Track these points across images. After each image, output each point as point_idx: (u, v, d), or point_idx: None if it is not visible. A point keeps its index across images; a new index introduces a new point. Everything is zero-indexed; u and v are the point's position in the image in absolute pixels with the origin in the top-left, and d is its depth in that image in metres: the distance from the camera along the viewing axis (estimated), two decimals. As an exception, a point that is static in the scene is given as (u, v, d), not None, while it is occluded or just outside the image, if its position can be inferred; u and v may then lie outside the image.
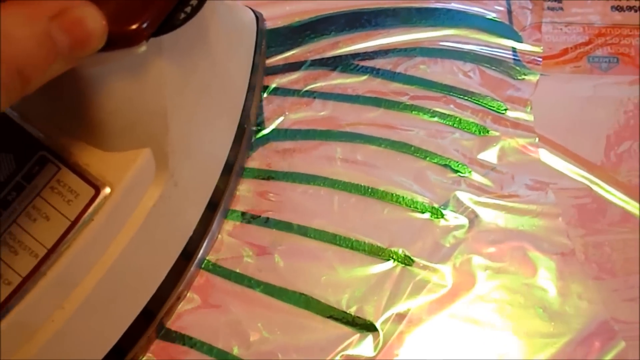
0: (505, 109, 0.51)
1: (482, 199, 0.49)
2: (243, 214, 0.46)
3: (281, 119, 0.50)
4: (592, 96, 0.52)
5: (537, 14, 0.54)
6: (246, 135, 0.48)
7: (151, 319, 0.43)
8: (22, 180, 0.34)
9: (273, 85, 0.50)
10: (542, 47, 0.53)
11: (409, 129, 0.50)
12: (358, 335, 0.45)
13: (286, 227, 0.47)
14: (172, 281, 0.43)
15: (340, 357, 0.44)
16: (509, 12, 0.54)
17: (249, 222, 0.46)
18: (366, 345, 0.44)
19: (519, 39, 0.53)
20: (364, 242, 0.47)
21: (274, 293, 0.45)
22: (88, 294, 0.35)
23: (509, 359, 0.44)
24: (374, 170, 0.49)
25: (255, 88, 0.48)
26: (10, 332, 0.33)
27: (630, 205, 0.49)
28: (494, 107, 0.51)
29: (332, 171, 0.49)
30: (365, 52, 0.53)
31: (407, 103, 0.51)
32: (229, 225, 0.47)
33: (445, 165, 0.49)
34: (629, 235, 0.48)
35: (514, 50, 0.53)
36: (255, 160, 0.48)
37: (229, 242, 0.46)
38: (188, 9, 0.30)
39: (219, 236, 0.46)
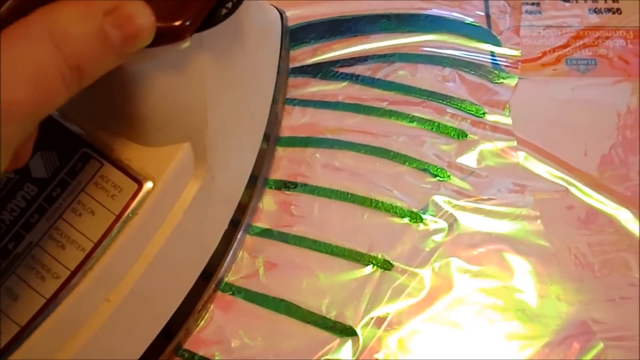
0: (484, 113, 0.52)
1: (461, 203, 0.50)
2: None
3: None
4: (571, 99, 0.53)
5: (515, 18, 0.55)
6: (273, 131, 0.50)
7: (189, 312, 0.45)
8: (66, 177, 0.36)
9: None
10: (520, 51, 0.54)
11: (389, 135, 0.52)
12: (338, 340, 0.46)
13: (266, 233, 0.48)
14: (208, 275, 0.45)
15: (321, 362, 0.45)
16: (488, 16, 0.55)
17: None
18: (346, 350, 0.45)
19: (497, 43, 0.55)
20: (344, 248, 0.48)
21: (255, 299, 0.47)
22: (132, 286, 0.37)
23: (487, 360, 0.46)
24: (354, 176, 0.50)
25: (281, 85, 0.50)
26: (60, 325, 0.35)
27: (609, 207, 0.49)
28: (472, 111, 0.52)
29: (312, 177, 0.50)
30: (344, 59, 0.54)
31: (387, 109, 0.52)
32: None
33: (424, 170, 0.51)
34: (607, 236, 0.48)
35: (492, 54, 0.55)
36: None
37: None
38: (229, 5, 0.32)
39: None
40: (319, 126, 0.52)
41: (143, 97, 0.34)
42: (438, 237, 0.49)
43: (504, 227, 0.49)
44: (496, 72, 0.54)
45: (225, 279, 0.48)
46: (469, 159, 0.51)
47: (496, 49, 0.55)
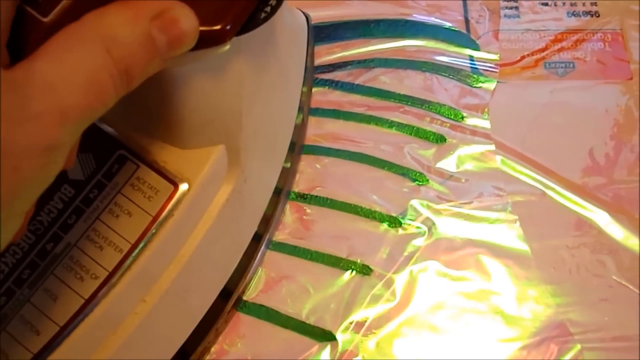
0: (463, 117, 0.53)
1: (440, 207, 0.50)
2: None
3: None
4: (549, 102, 0.54)
5: (494, 22, 0.56)
6: (302, 130, 0.51)
7: (222, 308, 0.46)
8: (103, 179, 0.37)
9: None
10: (499, 55, 0.55)
11: (368, 140, 0.52)
12: (317, 345, 0.46)
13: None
14: (240, 273, 0.46)
15: (300, 366, 0.45)
16: (467, 21, 0.56)
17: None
18: (325, 355, 0.46)
19: (476, 47, 0.56)
20: (323, 253, 0.49)
21: (235, 305, 0.47)
22: (167, 287, 0.38)
23: (466, 362, 0.46)
24: (333, 181, 0.50)
25: (307, 89, 0.51)
26: (98, 324, 0.36)
27: (586, 210, 0.50)
28: (451, 115, 0.53)
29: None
30: (324, 65, 0.55)
31: (366, 114, 0.53)
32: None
33: (404, 175, 0.51)
34: (585, 239, 0.49)
35: (471, 58, 0.55)
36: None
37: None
38: (268, 9, 0.33)
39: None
40: (300, 132, 0.52)
41: (181, 100, 0.35)
42: (417, 242, 0.49)
43: (483, 230, 0.50)
44: (475, 76, 0.55)
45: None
46: (448, 163, 0.52)
47: (475, 53, 0.55)
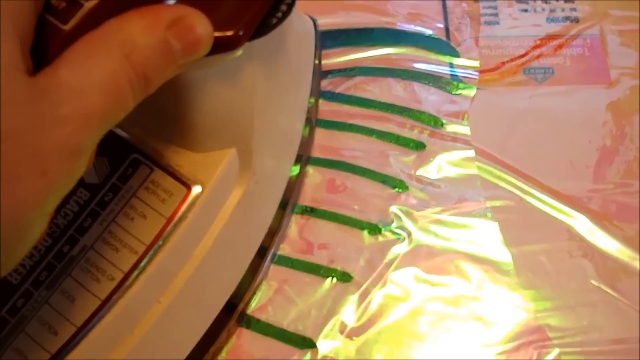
0: (442, 124, 0.54)
1: (420, 214, 0.51)
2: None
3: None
4: (528, 108, 0.54)
5: (474, 29, 0.57)
6: (310, 134, 0.52)
7: (233, 311, 0.47)
8: (118, 182, 0.38)
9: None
10: (478, 62, 0.56)
11: (348, 148, 0.53)
12: (297, 352, 0.47)
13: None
14: (251, 276, 0.47)
15: (279, 374, 0.45)
16: (447, 28, 0.57)
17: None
18: (305, 362, 0.47)
19: (456, 55, 0.56)
20: (303, 261, 0.49)
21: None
22: (181, 288, 0.39)
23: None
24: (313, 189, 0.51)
25: (315, 93, 0.52)
26: (114, 325, 0.37)
27: (565, 215, 0.51)
28: (431, 122, 0.54)
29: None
30: (305, 75, 0.55)
31: (346, 122, 0.53)
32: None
33: (384, 182, 0.52)
34: (564, 243, 0.50)
35: (451, 65, 0.56)
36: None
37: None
38: (279, 14, 0.34)
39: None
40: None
41: (195, 104, 0.36)
42: (397, 249, 0.50)
43: (462, 236, 0.50)
44: (455, 83, 0.55)
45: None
46: (427, 170, 0.53)
47: (455, 60, 0.56)
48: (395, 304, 0.49)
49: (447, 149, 0.53)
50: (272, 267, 0.50)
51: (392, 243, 0.50)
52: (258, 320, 0.48)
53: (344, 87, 0.56)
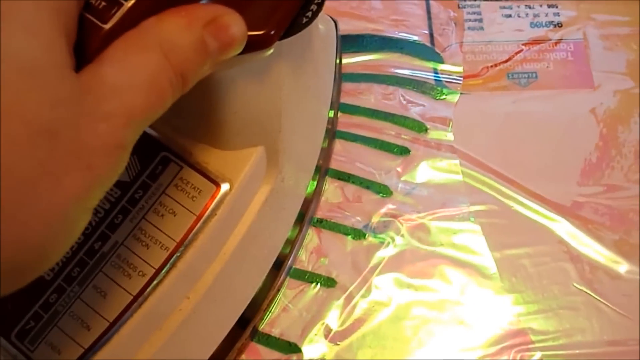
0: (426, 129, 0.54)
1: (404, 219, 0.51)
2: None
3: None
4: (512, 112, 0.55)
5: (458, 35, 0.57)
6: (331, 134, 0.52)
7: (255, 313, 0.47)
8: (147, 180, 0.38)
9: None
10: (462, 67, 0.56)
11: (332, 154, 0.53)
12: (282, 357, 0.47)
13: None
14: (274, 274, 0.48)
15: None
16: (431, 34, 0.57)
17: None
18: (289, 367, 0.47)
19: (440, 60, 0.56)
20: (289, 266, 0.49)
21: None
22: (210, 284, 0.39)
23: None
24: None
25: (336, 94, 0.52)
26: (145, 320, 0.37)
27: (547, 219, 0.51)
28: (415, 127, 0.54)
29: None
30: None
31: (330, 128, 0.53)
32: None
33: (368, 187, 0.52)
34: (546, 247, 0.51)
35: (435, 71, 0.56)
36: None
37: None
38: (309, 14, 0.34)
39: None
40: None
41: (225, 102, 0.37)
42: (381, 253, 0.50)
43: (446, 241, 0.51)
44: (439, 88, 0.55)
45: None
46: (411, 175, 0.53)
47: (439, 66, 0.56)
48: (379, 309, 0.49)
49: (431, 155, 0.54)
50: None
51: (376, 248, 0.51)
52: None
53: (328, 93, 0.56)
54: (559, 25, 0.58)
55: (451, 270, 0.50)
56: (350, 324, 0.48)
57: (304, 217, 0.49)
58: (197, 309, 0.38)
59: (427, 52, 0.57)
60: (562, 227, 0.51)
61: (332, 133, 0.53)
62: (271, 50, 0.33)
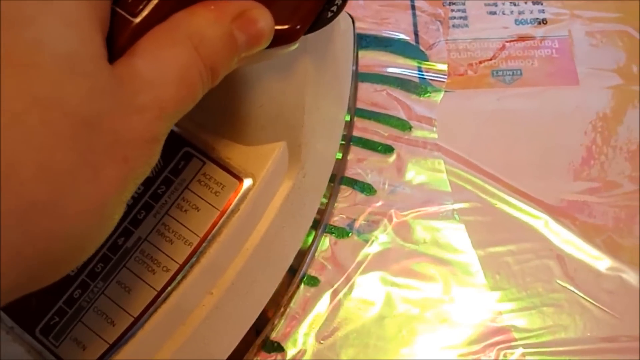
0: (411, 127, 0.54)
1: (388, 217, 0.52)
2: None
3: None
4: (496, 109, 0.55)
5: (443, 32, 0.57)
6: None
7: (277, 305, 0.47)
8: (170, 175, 0.38)
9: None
10: (447, 65, 0.56)
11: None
12: (266, 356, 0.48)
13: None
14: (292, 271, 0.48)
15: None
16: (415, 32, 0.57)
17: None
18: (272, 365, 0.47)
19: (424, 58, 0.56)
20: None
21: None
22: (233, 279, 0.39)
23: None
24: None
25: (354, 91, 0.52)
26: (170, 315, 0.37)
27: (531, 216, 0.52)
28: (399, 126, 0.54)
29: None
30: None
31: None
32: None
33: (352, 186, 0.53)
34: (529, 245, 0.51)
35: (419, 69, 0.56)
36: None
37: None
38: (334, 8, 0.34)
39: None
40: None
41: (249, 98, 0.37)
42: (365, 251, 0.51)
43: (429, 239, 0.51)
44: (423, 86, 0.55)
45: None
46: (395, 174, 0.53)
47: (424, 64, 0.56)
48: (363, 307, 0.49)
49: (416, 153, 0.54)
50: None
51: (360, 246, 0.51)
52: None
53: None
54: (544, 22, 0.58)
55: (435, 268, 0.50)
56: (334, 322, 0.49)
57: (323, 215, 0.50)
58: (219, 305, 0.39)
59: (412, 50, 0.57)
60: (546, 225, 0.51)
61: (349, 137, 0.54)
62: (297, 45, 0.33)
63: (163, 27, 0.27)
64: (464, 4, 0.59)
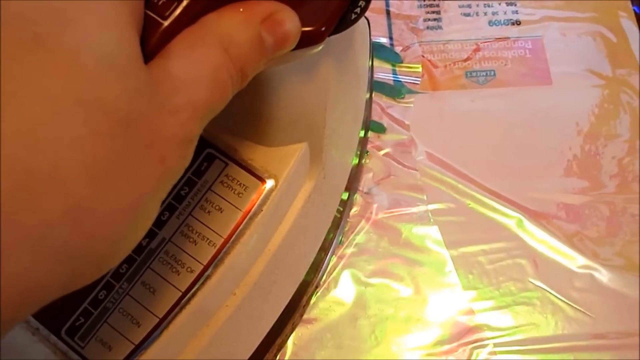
0: (384, 129, 0.54)
1: (365, 218, 0.52)
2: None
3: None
4: (470, 110, 0.55)
5: (417, 34, 0.57)
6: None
7: (296, 306, 0.47)
8: (193, 176, 0.39)
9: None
10: (421, 66, 0.56)
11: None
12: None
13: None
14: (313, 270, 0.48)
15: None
16: (390, 35, 0.57)
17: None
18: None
19: (398, 60, 0.57)
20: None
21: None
22: (255, 280, 0.39)
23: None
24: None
25: (370, 94, 0.53)
26: (194, 316, 0.37)
27: (504, 216, 0.52)
28: (373, 127, 0.54)
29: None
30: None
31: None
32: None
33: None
34: (501, 244, 0.51)
35: (394, 71, 0.56)
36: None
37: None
38: (357, 10, 0.34)
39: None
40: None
41: (272, 99, 0.37)
42: (338, 252, 0.51)
43: (403, 239, 0.51)
44: (397, 88, 0.56)
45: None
46: (369, 174, 0.53)
47: (398, 66, 0.56)
48: (336, 307, 0.49)
49: (389, 154, 0.54)
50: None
51: (336, 247, 0.51)
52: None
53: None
54: (518, 23, 0.58)
55: (408, 269, 0.50)
56: (307, 323, 0.49)
57: (342, 214, 0.50)
58: (242, 305, 0.39)
59: (386, 52, 0.57)
60: (519, 224, 0.51)
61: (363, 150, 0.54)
62: (321, 47, 0.33)
63: (194, 30, 0.27)
64: (438, 5, 0.59)
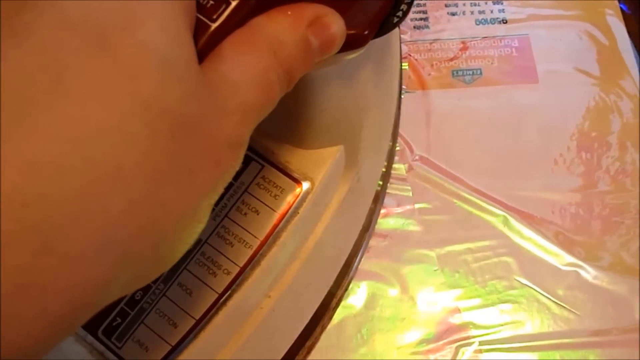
0: None
1: None
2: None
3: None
4: (456, 109, 0.55)
5: (403, 33, 0.57)
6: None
7: (326, 308, 0.47)
8: None
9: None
10: (407, 65, 0.56)
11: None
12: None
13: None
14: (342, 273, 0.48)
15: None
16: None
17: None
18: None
19: None
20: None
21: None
22: (289, 282, 0.39)
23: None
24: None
25: (399, 98, 0.53)
26: (230, 318, 0.37)
27: (489, 214, 0.52)
28: None
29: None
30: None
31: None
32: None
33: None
34: (487, 242, 0.51)
35: None
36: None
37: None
38: (400, 13, 0.34)
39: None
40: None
41: (313, 102, 0.37)
42: None
43: (390, 237, 0.51)
44: None
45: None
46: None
47: None
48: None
49: None
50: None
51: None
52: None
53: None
54: (504, 21, 0.58)
55: (394, 267, 0.50)
56: None
57: (371, 219, 0.50)
58: (276, 307, 0.39)
59: None
60: (505, 223, 0.52)
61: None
62: (363, 50, 0.33)
63: (243, 32, 0.27)
64: (424, 5, 0.59)
